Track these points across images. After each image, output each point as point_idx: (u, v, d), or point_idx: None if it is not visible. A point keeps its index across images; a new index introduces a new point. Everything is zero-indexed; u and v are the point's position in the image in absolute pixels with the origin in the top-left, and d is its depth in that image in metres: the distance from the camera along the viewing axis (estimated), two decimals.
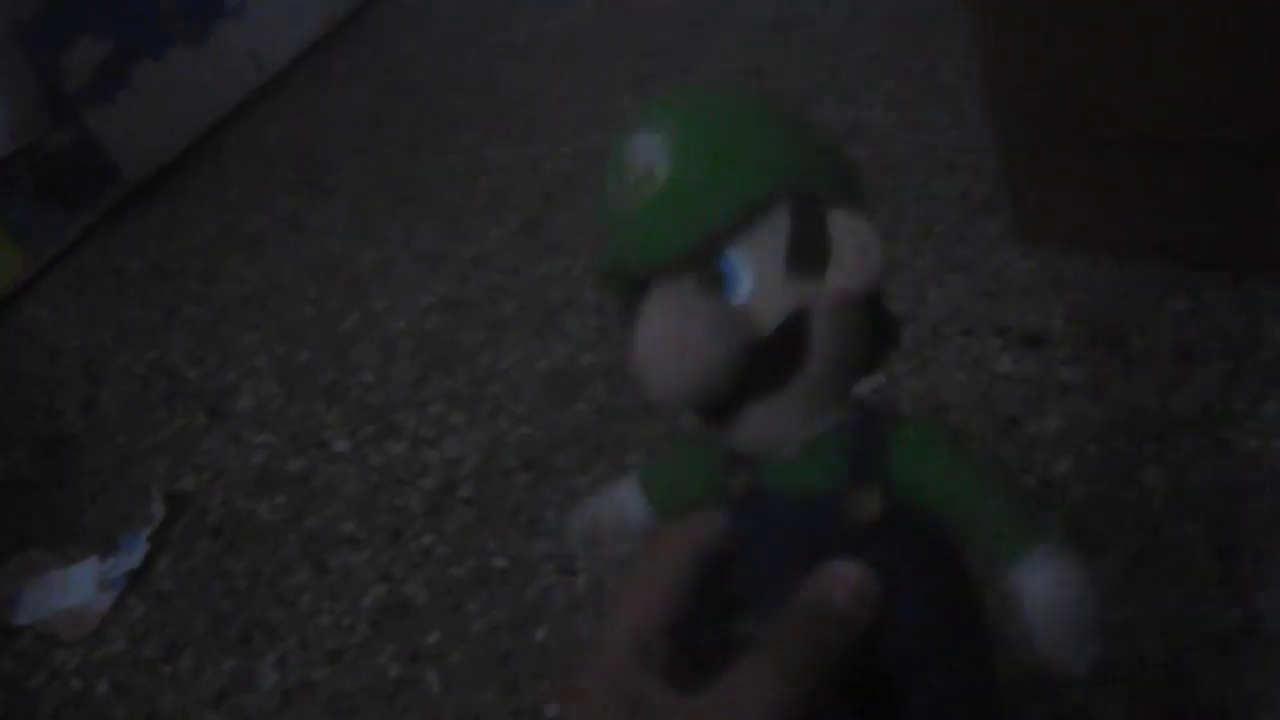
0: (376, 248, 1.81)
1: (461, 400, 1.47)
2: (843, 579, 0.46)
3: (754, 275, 0.42)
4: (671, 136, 0.42)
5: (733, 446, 0.48)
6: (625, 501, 0.56)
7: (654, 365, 0.41)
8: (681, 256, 0.42)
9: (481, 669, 1.17)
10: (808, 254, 0.43)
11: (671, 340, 0.41)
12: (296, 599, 1.32)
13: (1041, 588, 0.43)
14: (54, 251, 2.07)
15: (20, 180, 2.02)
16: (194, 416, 1.63)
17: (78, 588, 1.43)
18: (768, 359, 0.43)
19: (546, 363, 1.47)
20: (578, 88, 2.03)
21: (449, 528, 1.32)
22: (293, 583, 1.34)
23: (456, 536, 1.31)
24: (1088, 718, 0.95)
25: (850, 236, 0.45)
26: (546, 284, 1.60)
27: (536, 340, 1.51)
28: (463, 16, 2.45)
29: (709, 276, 0.41)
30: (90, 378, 1.79)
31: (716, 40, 2.02)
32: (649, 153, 0.42)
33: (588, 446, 1.34)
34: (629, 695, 0.43)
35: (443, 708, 1.15)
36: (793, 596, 0.45)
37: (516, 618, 1.20)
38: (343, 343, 1.64)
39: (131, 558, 1.43)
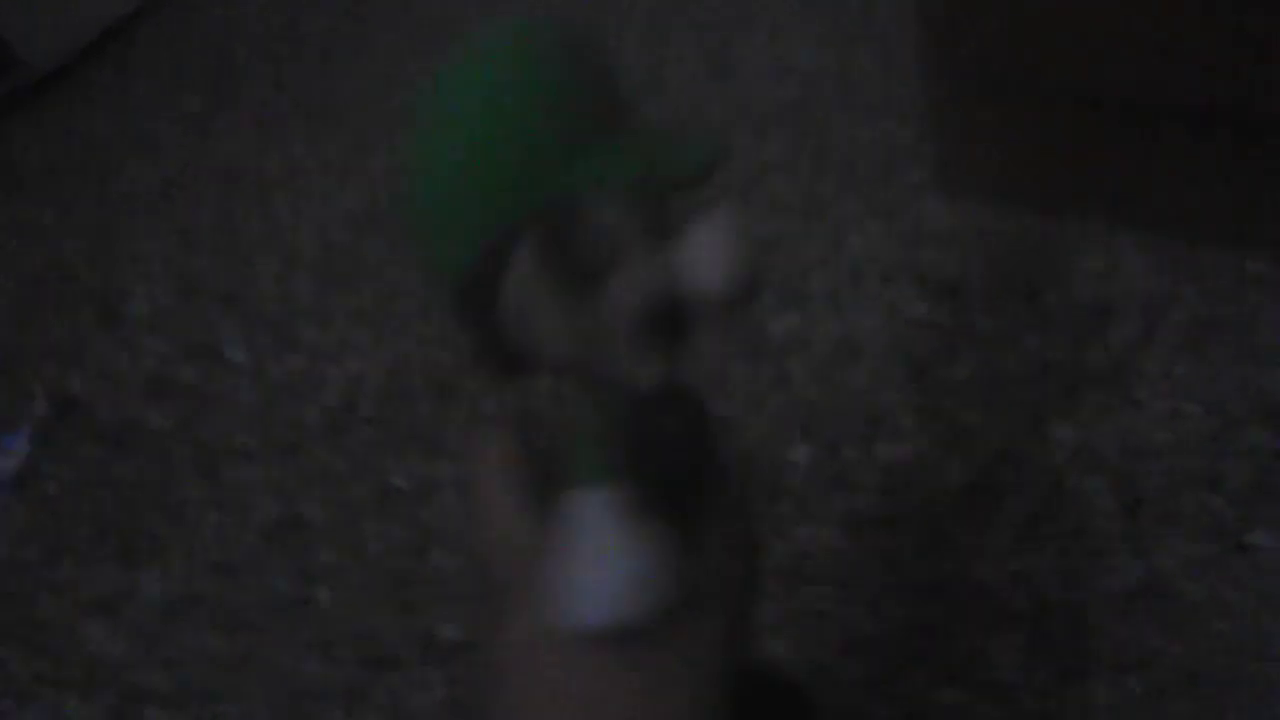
0: (282, 156, 1.75)
1: (366, 316, 1.44)
2: None
3: None
4: None
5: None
6: None
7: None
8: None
9: (376, 589, 1.14)
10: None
11: None
12: (185, 510, 1.28)
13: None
14: None
15: None
16: (84, 317, 1.57)
17: None
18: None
19: None
20: (495, 7, 1.98)
21: (349, 445, 1.29)
22: (182, 494, 1.30)
23: (356, 454, 1.28)
24: (986, 661, 0.96)
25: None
26: None
27: None
28: None
29: None
30: None
31: None
32: None
33: None
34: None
35: (336, 628, 1.12)
36: None
37: (414, 539, 1.18)
38: (243, 251, 1.59)
39: (14, 456, 1.37)
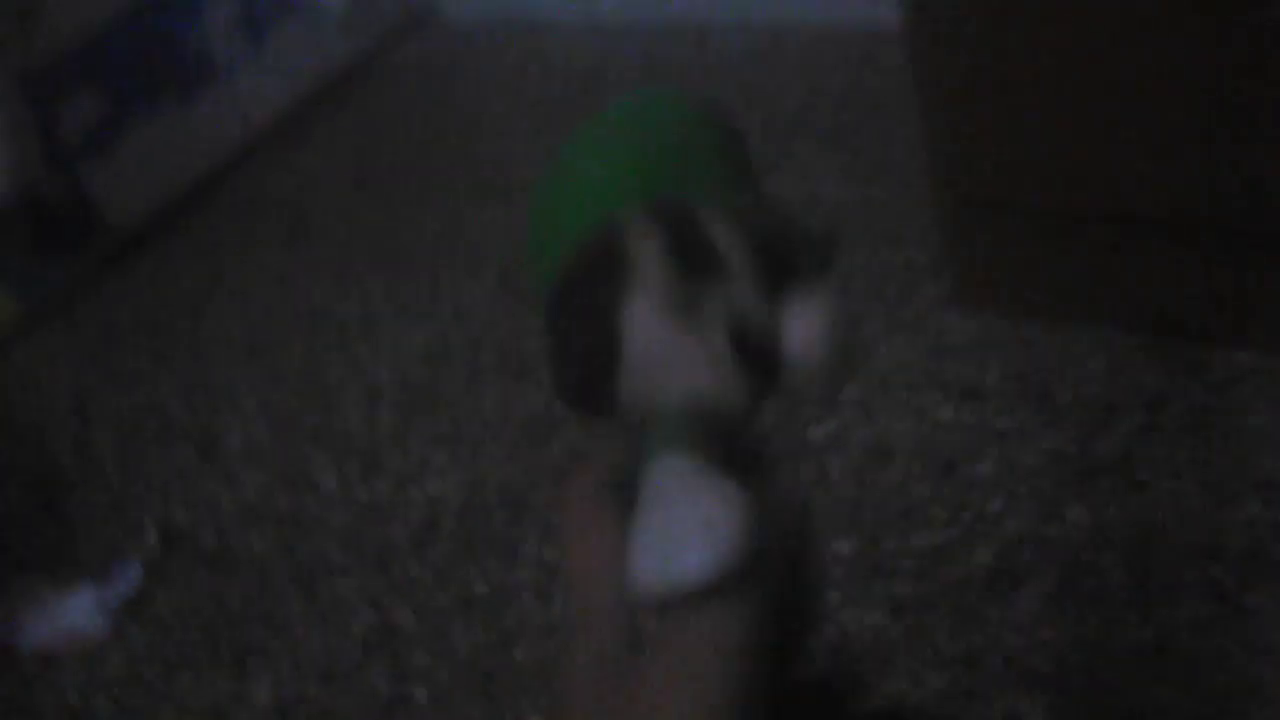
0: (359, 301, 1.92)
1: (444, 441, 1.58)
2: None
3: None
4: None
5: None
6: None
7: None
8: None
9: (466, 686, 1.27)
10: None
11: None
12: (288, 623, 1.41)
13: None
14: (45, 301, 2.16)
15: (15, 231, 2.12)
16: (185, 455, 1.73)
17: (76, 613, 1.51)
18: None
19: (523, 407, 1.59)
20: (551, 154, 2.15)
21: (433, 558, 1.43)
22: (284, 609, 1.43)
23: (440, 566, 1.41)
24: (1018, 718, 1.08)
25: None
26: (523, 335, 1.71)
27: (514, 386, 1.63)
28: (442, 84, 2.57)
29: None
30: (82, 419, 1.88)
31: None
32: None
33: None
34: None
35: None
36: None
37: (498, 639, 1.31)
38: (328, 389, 1.75)
39: (129, 584, 1.52)
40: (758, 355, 0.40)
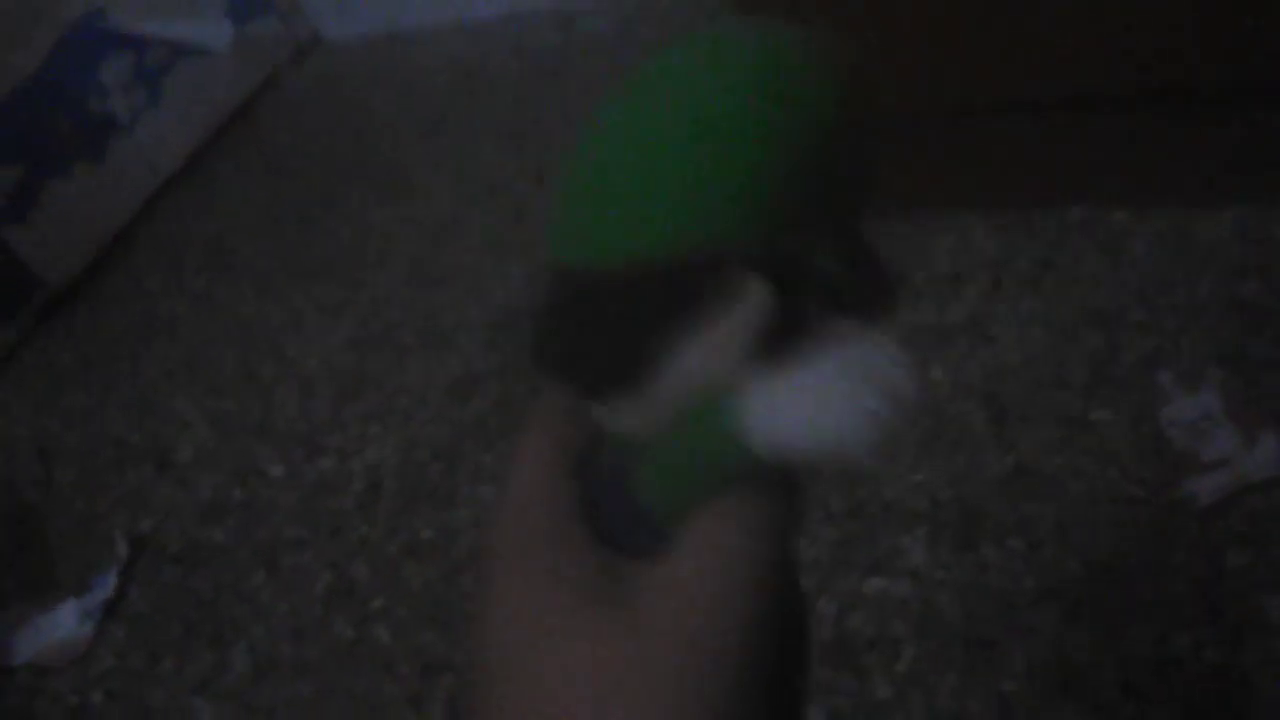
0: (284, 308, 2.04)
1: (376, 416, 1.71)
2: None
3: None
4: None
5: None
6: None
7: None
8: None
9: (422, 618, 1.40)
10: None
11: None
12: (256, 596, 1.54)
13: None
14: None
15: None
16: (142, 472, 1.84)
17: (62, 624, 1.63)
18: None
19: (445, 374, 1.72)
20: (445, 152, 2.29)
21: (380, 516, 1.55)
22: (251, 584, 1.56)
23: (387, 522, 1.54)
24: (899, 554, 1.21)
25: None
26: (438, 312, 1.84)
27: (435, 356, 1.75)
28: (336, 101, 2.70)
29: None
30: (43, 460, 1.99)
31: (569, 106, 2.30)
32: None
33: (489, 431, 1.59)
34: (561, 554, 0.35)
35: (395, 653, 1.37)
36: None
37: (447, 573, 1.43)
38: (265, 389, 1.87)
39: (105, 590, 1.63)
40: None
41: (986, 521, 1.21)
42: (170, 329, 2.15)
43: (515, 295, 1.82)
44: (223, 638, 1.51)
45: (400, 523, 1.52)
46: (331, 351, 1.88)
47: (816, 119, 0.34)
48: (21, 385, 2.21)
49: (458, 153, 2.27)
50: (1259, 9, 1.22)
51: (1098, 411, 1.26)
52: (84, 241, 2.45)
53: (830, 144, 0.34)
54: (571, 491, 0.37)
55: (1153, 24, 1.27)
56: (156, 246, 2.45)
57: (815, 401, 0.33)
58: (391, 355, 1.81)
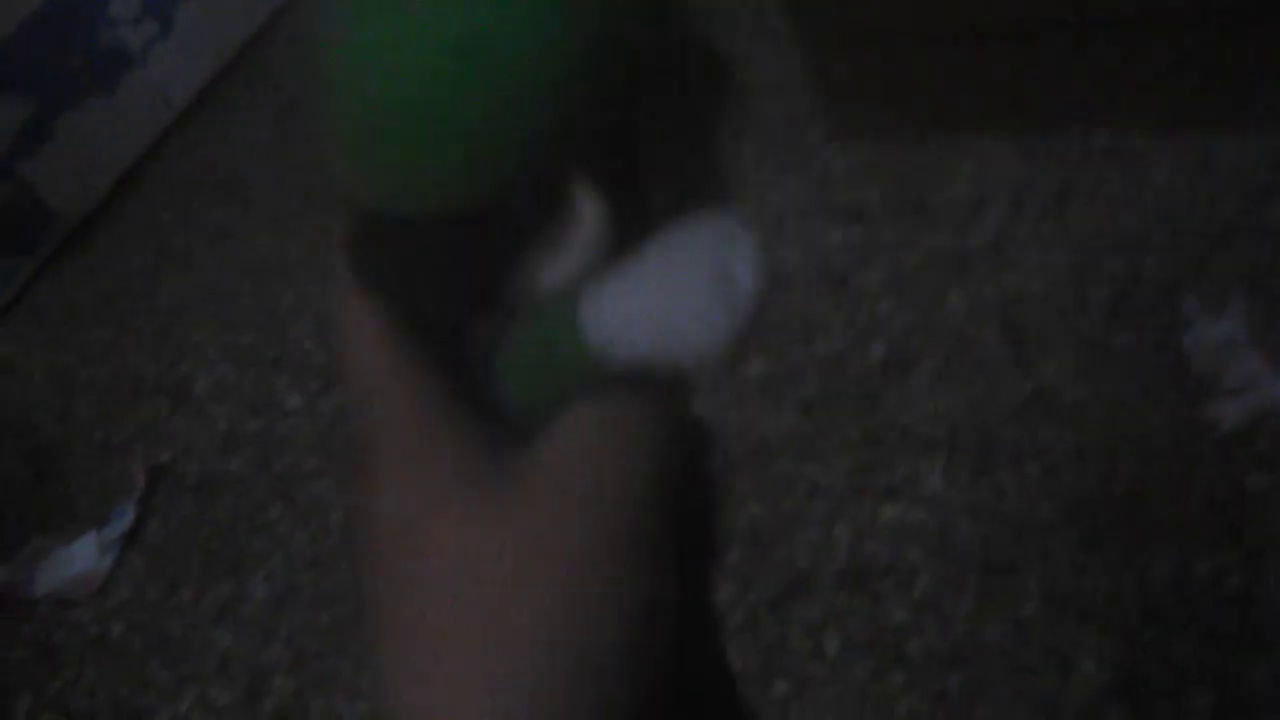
0: (300, 243, 2.03)
1: None
2: None
3: None
4: None
5: None
6: None
7: None
8: None
9: None
10: None
11: None
12: (275, 526, 1.54)
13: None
14: (10, 294, 2.27)
15: None
16: (160, 405, 1.84)
17: (81, 557, 1.63)
18: None
19: None
20: None
21: None
22: (269, 515, 1.56)
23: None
24: (916, 480, 1.20)
25: None
26: None
27: None
28: None
29: None
30: (62, 393, 1.99)
31: None
32: None
33: None
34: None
35: None
36: None
37: None
38: (281, 322, 1.86)
39: (123, 522, 1.64)
40: None
41: (1004, 447, 1.20)
42: (186, 263, 2.15)
43: None
44: (241, 567, 1.51)
45: None
46: None
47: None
48: (39, 320, 2.21)
49: None
50: None
51: (1119, 336, 1.24)
52: (98, 175, 2.44)
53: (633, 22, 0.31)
54: (424, 365, 0.34)
55: None
56: (171, 180, 2.44)
57: (651, 298, 0.31)
58: None
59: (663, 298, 0.31)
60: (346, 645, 1.36)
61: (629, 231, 0.31)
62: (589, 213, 0.31)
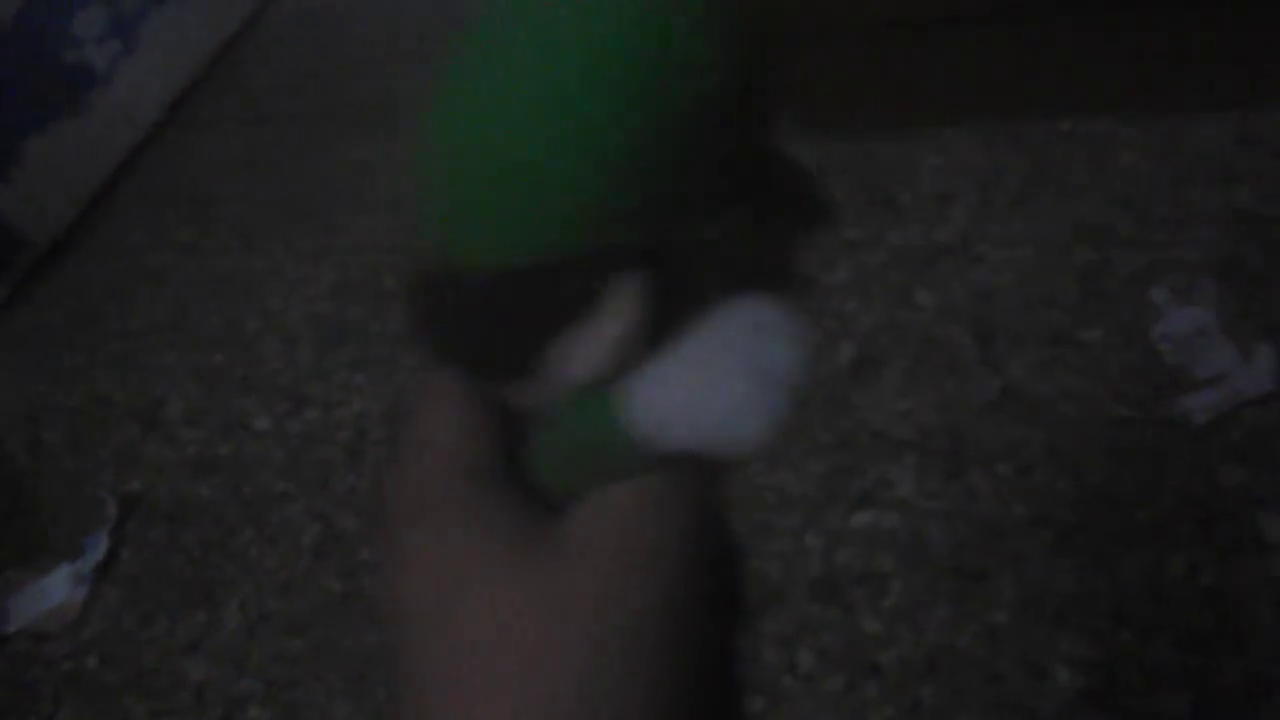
0: (264, 259, 2.01)
1: (360, 364, 1.68)
2: None
3: None
4: None
5: None
6: None
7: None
8: None
9: None
10: None
11: None
12: (246, 552, 1.52)
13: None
14: None
15: None
16: (130, 431, 1.82)
17: (55, 589, 1.61)
18: None
19: None
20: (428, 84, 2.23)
21: (367, 466, 1.53)
22: (240, 541, 1.54)
23: (375, 470, 1.51)
24: (887, 485, 1.18)
25: None
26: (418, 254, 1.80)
27: None
28: (313, 44, 2.65)
29: None
30: (31, 420, 1.97)
31: None
32: None
33: None
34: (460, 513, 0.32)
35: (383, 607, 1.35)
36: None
37: None
38: (249, 342, 1.84)
39: (97, 553, 1.62)
40: None
41: (974, 448, 1.18)
42: (157, 282, 2.12)
43: None
44: (214, 596, 1.49)
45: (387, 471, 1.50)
46: (313, 302, 1.84)
47: (706, 90, 0.29)
48: (11, 346, 2.18)
49: None
50: None
51: (1088, 330, 1.22)
52: (68, 197, 2.42)
53: (725, 116, 0.30)
54: (489, 429, 0.34)
55: None
56: (141, 199, 2.41)
57: (695, 388, 0.31)
58: (373, 302, 1.77)
59: (703, 391, 0.31)
60: (320, 673, 1.34)
61: (671, 312, 0.31)
62: (627, 301, 0.30)
